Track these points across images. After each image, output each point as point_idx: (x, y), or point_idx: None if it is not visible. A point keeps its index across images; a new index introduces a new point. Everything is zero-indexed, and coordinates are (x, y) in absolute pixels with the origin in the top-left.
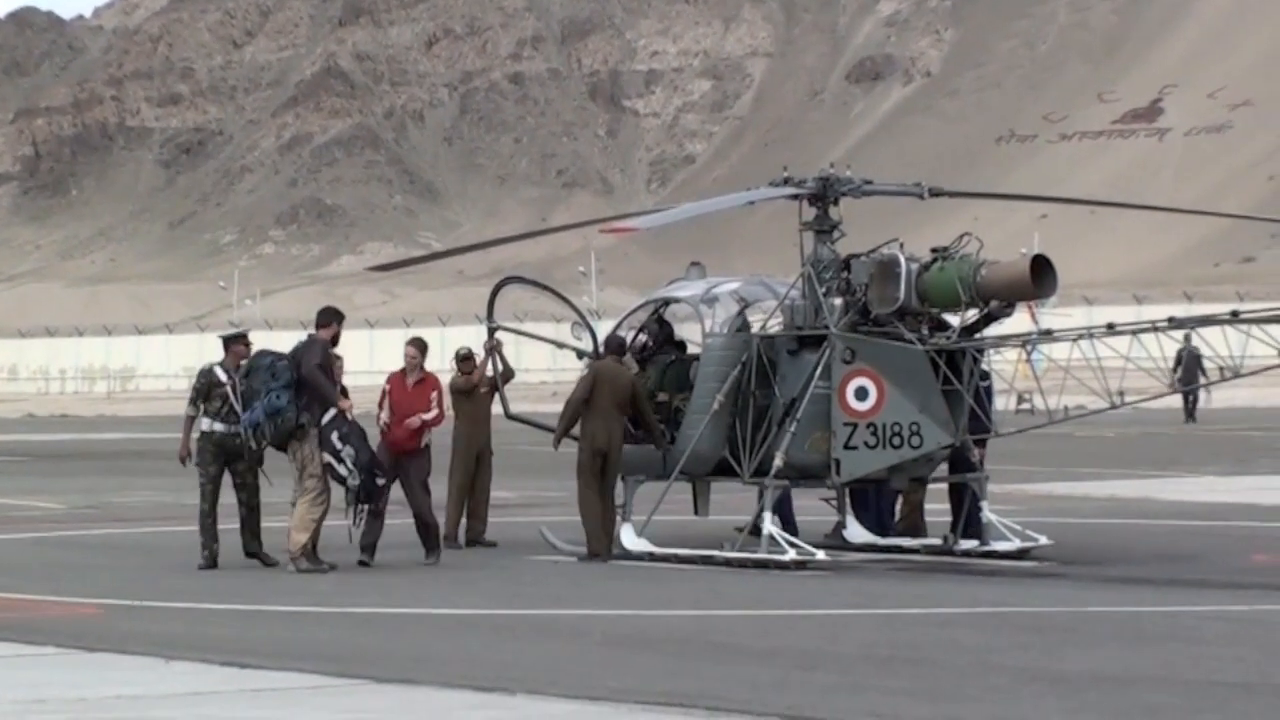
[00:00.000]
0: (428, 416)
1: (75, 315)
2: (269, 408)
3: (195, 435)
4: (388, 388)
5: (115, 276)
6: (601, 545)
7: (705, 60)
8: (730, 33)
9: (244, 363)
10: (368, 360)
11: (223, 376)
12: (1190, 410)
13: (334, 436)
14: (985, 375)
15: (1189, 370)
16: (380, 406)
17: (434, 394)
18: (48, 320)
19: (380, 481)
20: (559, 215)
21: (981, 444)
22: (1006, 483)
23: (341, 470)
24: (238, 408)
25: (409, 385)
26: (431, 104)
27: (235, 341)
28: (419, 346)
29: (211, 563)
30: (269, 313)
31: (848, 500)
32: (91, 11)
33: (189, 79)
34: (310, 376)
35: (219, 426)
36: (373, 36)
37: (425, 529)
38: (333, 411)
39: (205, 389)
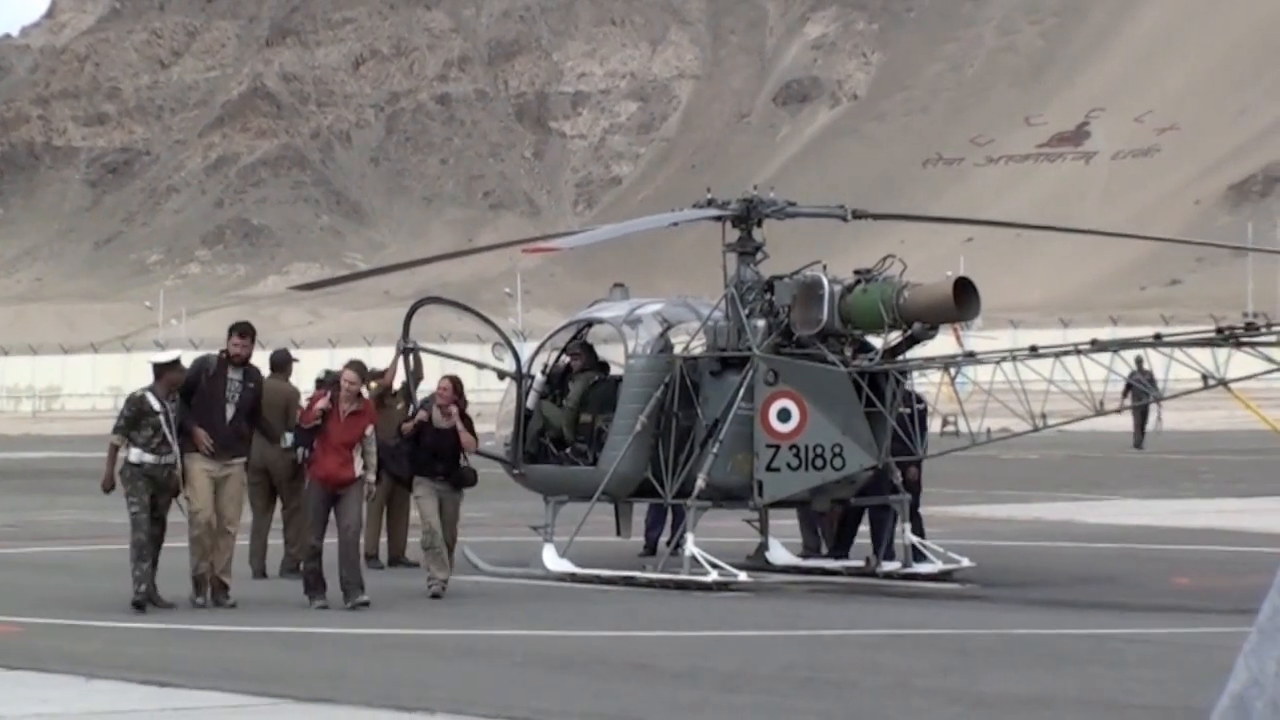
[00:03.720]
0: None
1: (0, 334)
2: None
3: (120, 465)
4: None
5: (41, 296)
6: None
7: (632, 82)
8: (657, 55)
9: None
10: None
11: (156, 404)
12: (1139, 437)
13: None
14: (920, 399)
15: (1139, 396)
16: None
17: (369, 428)
18: None
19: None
20: (485, 236)
21: (917, 465)
22: (930, 505)
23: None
24: (170, 438)
25: (343, 415)
26: (358, 125)
27: (169, 368)
28: (359, 371)
29: (146, 599)
30: (195, 333)
31: (769, 520)
32: (18, 30)
33: (116, 99)
34: (184, 427)
35: (149, 458)
36: (299, 57)
37: (346, 567)
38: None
39: (135, 418)
